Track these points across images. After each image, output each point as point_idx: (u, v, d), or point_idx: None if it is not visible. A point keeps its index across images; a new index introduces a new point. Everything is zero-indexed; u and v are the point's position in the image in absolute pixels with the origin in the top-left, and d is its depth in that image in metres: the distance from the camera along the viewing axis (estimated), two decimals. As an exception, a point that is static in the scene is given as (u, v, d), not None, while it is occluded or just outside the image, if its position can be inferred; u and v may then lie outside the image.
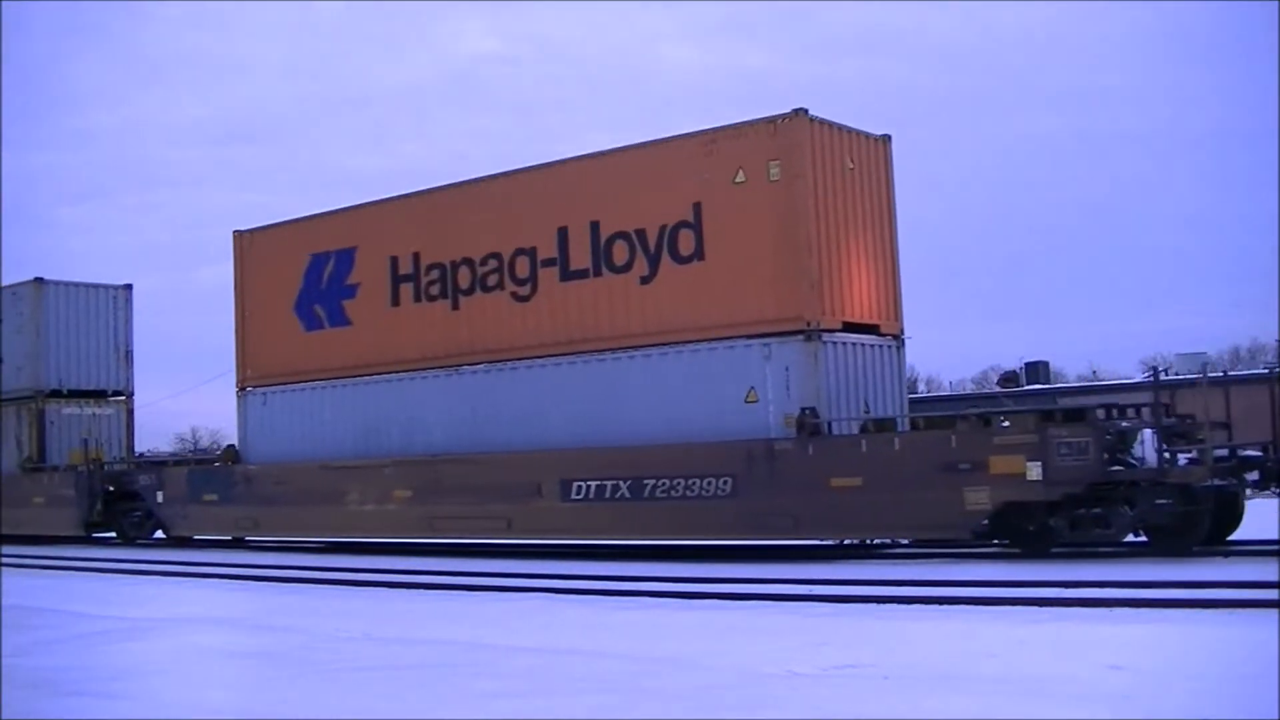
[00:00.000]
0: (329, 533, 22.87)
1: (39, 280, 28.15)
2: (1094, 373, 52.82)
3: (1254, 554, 14.97)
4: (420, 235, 21.42)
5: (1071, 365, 57.62)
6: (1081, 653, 8.24)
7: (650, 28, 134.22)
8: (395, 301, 21.65)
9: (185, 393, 42.88)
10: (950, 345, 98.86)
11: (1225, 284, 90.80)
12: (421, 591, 15.04)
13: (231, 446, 24.27)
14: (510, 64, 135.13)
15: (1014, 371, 38.78)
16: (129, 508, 25.94)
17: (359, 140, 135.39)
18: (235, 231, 24.21)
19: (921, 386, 53.55)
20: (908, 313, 19.14)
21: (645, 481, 18.22)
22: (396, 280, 21.63)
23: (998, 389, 33.55)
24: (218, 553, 22.95)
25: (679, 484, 17.95)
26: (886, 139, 19.15)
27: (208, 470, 24.92)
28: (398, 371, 21.58)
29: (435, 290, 21.14)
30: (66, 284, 28.60)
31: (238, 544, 25.20)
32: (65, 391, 28.40)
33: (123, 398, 29.38)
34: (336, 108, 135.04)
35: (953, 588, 12.31)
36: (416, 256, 21.38)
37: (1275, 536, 15.03)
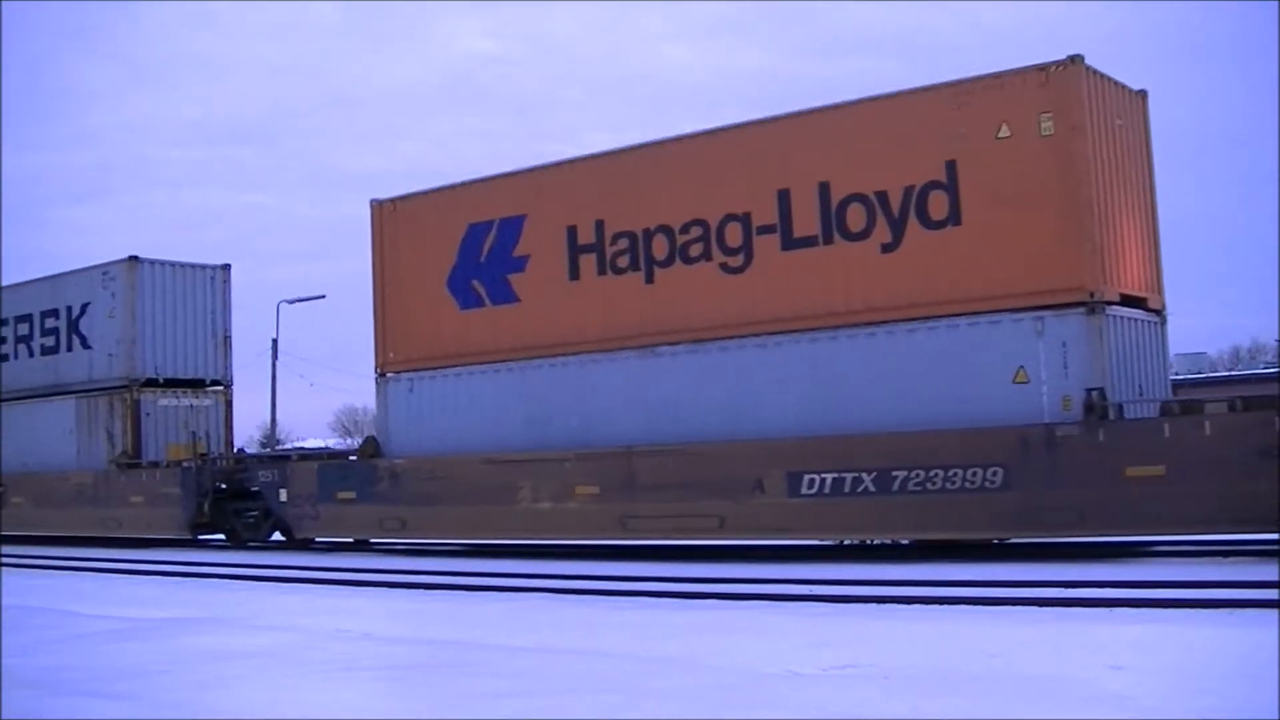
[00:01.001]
0: (496, 534, 20.57)
1: (134, 259, 25.37)
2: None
3: None
4: (604, 201, 19.18)
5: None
6: (1082, 653, 8.20)
7: (649, 28, 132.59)
8: (574, 275, 19.39)
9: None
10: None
11: (1225, 284, 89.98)
12: (422, 591, 14.83)
13: (371, 438, 21.93)
14: (508, 64, 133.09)
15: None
16: (243, 507, 23.52)
17: (358, 140, 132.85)
18: (373, 201, 21.91)
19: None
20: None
21: (895, 473, 16.18)
22: (575, 251, 19.37)
23: None
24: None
25: (937, 475, 15.92)
26: (1144, 94, 17.32)
27: (343, 465, 22.52)
28: (576, 353, 19.32)
29: (624, 262, 18.93)
30: (162, 263, 25.81)
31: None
32: (161, 381, 25.84)
33: (221, 388, 26.76)
34: (336, 108, 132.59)
35: (953, 588, 12.11)
36: (600, 224, 19.16)
37: None
